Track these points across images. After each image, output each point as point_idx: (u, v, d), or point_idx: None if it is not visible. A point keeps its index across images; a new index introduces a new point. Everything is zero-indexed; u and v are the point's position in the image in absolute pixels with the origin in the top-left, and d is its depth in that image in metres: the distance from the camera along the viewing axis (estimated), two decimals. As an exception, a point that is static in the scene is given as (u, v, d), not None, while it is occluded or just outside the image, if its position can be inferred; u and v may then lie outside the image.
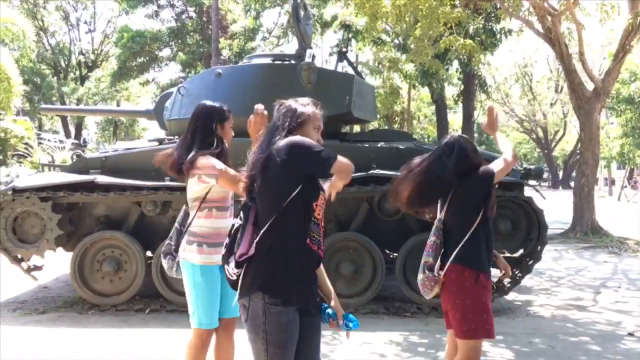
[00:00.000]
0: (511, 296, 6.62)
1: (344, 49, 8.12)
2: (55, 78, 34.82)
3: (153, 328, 5.34)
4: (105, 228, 6.16)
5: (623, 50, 11.85)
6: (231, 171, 3.16)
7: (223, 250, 2.56)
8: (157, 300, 6.02)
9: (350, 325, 2.57)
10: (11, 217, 5.91)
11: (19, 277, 6.83)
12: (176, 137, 6.67)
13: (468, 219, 3.10)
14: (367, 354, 4.68)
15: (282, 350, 2.41)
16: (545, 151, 45.17)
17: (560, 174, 48.33)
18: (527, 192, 6.37)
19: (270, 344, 2.40)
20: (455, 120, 37.46)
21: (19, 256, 6.03)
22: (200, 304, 3.23)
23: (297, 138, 2.47)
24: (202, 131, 3.33)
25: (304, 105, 2.65)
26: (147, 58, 26.35)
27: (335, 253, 6.03)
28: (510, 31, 19.36)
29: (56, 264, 7.23)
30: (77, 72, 37.39)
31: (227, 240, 2.55)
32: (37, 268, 6.27)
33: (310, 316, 2.50)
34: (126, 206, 6.21)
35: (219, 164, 3.20)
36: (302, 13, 6.85)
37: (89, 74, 37.29)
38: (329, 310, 2.58)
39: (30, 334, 5.09)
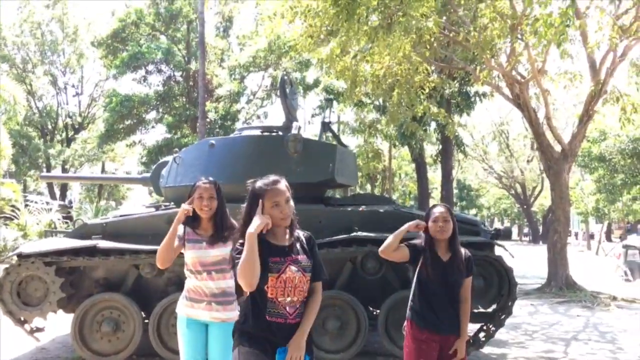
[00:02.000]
0: (487, 350, 7.03)
1: (327, 120, 8.73)
2: (42, 140, 35.27)
3: (150, 385, 5.65)
4: (104, 290, 6.51)
5: (587, 115, 12.68)
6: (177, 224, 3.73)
7: None
8: (154, 358, 6.33)
9: None
10: (16, 281, 6.25)
11: (18, 339, 7.11)
12: (171, 203, 7.13)
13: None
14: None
15: None
16: (524, 206, 46.04)
17: (540, 228, 49.11)
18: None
19: None
20: (435, 177, 38.30)
21: (23, 318, 6.34)
22: (184, 352, 3.72)
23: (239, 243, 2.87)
24: None
25: (261, 184, 2.92)
26: (135, 121, 26.98)
27: (322, 310, 6.36)
28: (484, 94, 20.43)
29: (52, 325, 7.51)
30: (64, 134, 37.89)
31: None
32: (39, 329, 6.58)
33: None
34: (124, 269, 6.59)
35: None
36: (288, 89, 7.48)
37: (76, 135, 37.79)
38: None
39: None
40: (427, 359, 3.59)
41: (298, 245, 2.97)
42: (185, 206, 3.72)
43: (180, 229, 3.79)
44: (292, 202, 2.94)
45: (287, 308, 2.85)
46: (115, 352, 6.30)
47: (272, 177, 2.95)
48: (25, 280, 6.31)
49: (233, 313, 3.77)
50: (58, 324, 7.60)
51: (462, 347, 3.71)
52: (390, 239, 3.65)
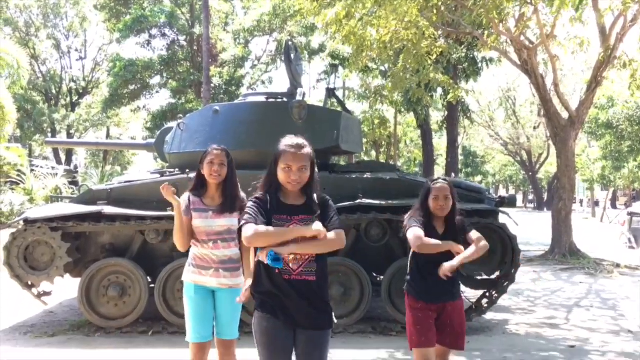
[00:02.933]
0: (489, 315, 7.09)
1: (332, 87, 8.65)
2: (46, 105, 35.21)
3: (156, 348, 5.73)
4: (110, 255, 6.58)
5: (595, 82, 12.52)
6: (178, 213, 3.70)
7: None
8: (160, 322, 6.42)
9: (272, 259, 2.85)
10: (23, 246, 6.32)
11: (25, 302, 7.22)
12: (176, 169, 7.13)
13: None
14: (356, 369, 5.12)
15: (266, 352, 2.91)
16: (530, 173, 45.97)
17: (545, 196, 49.12)
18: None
19: (258, 345, 2.95)
20: (440, 144, 38.20)
21: (30, 283, 6.43)
22: (190, 319, 3.73)
23: (253, 197, 2.95)
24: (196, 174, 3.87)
25: (283, 145, 2.97)
26: (139, 86, 26.85)
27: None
28: (491, 59, 20.18)
29: (59, 290, 7.62)
30: (68, 99, 37.81)
31: None
32: (47, 294, 6.67)
33: (310, 332, 2.92)
34: (130, 234, 6.65)
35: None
36: (292, 55, 7.40)
37: (80, 100, 37.72)
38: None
39: (43, 356, 5.47)
40: (424, 326, 3.63)
41: (311, 207, 2.98)
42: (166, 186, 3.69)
43: (186, 199, 3.78)
44: (309, 172, 2.96)
45: (291, 265, 2.88)
46: (122, 316, 6.39)
47: (297, 141, 2.98)
48: (32, 245, 6.37)
49: (240, 279, 3.79)
50: (65, 288, 7.70)
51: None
52: (431, 247, 3.59)
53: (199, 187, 3.81)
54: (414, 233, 3.59)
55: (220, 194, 3.79)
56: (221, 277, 3.71)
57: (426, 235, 3.60)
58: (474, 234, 3.71)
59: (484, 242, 3.68)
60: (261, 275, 2.93)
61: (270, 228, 2.84)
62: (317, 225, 2.86)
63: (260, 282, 2.94)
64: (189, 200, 3.76)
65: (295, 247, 2.85)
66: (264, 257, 2.83)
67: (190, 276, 3.77)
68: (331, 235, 2.90)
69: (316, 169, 3.05)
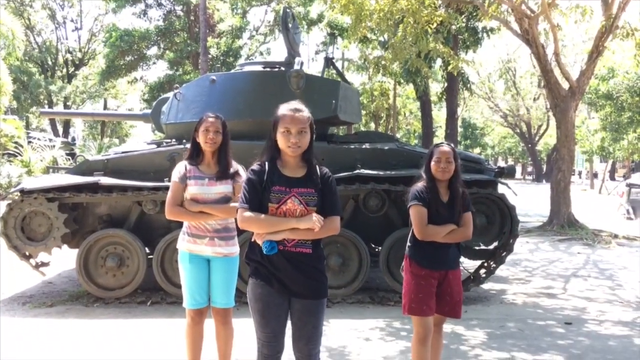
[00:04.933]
0: (487, 286, 7.12)
1: (330, 56, 8.53)
2: (43, 76, 34.90)
3: (155, 318, 5.75)
4: (108, 226, 6.55)
5: (597, 51, 12.39)
6: (173, 185, 3.70)
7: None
8: (158, 293, 6.43)
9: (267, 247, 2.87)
10: (20, 216, 6.29)
11: (23, 273, 7.22)
12: (173, 140, 7.07)
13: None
14: (354, 339, 5.14)
15: (260, 318, 2.91)
16: (529, 145, 45.89)
17: (544, 167, 49.12)
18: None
19: (252, 312, 2.95)
20: (439, 116, 38.06)
21: (28, 253, 6.42)
22: (186, 286, 3.73)
23: (250, 168, 2.93)
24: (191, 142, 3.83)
25: (282, 109, 2.92)
26: (135, 56, 26.59)
27: (324, 247, 6.46)
28: (492, 29, 19.94)
29: (58, 260, 7.62)
30: (64, 70, 37.47)
31: None
32: (45, 264, 6.66)
33: (305, 301, 2.91)
34: (127, 205, 6.61)
35: (173, 175, 3.74)
36: (290, 23, 7.27)
37: (76, 72, 37.39)
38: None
39: (42, 325, 5.48)
40: (426, 294, 3.61)
41: (311, 179, 2.93)
42: None
43: (182, 167, 3.74)
44: (308, 136, 2.91)
45: (285, 238, 2.86)
46: (120, 286, 6.40)
47: (295, 105, 2.93)
48: (28, 216, 6.34)
49: (235, 248, 3.78)
50: (64, 259, 7.70)
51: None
52: (434, 235, 3.58)
53: (195, 155, 3.78)
54: (417, 217, 3.59)
55: (215, 162, 3.75)
56: (216, 245, 3.69)
57: (430, 204, 3.59)
58: (466, 217, 3.69)
59: (467, 231, 3.68)
60: (255, 245, 2.92)
61: (263, 217, 2.82)
62: (310, 220, 2.80)
63: (254, 251, 2.92)
64: (185, 168, 3.73)
65: (289, 234, 2.83)
66: (260, 241, 2.85)
67: (185, 245, 3.75)
68: (326, 223, 2.89)
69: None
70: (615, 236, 11.94)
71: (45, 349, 4.77)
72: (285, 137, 2.87)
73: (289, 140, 2.86)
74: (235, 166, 3.80)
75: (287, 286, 2.88)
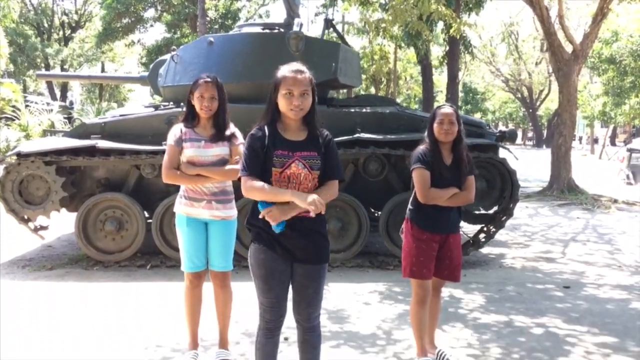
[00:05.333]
0: (486, 250, 7.12)
1: (330, 18, 8.36)
2: (39, 39, 34.45)
3: (154, 282, 5.76)
4: (106, 190, 6.52)
5: (601, 14, 12.19)
6: (169, 148, 3.64)
7: None
8: (158, 257, 6.44)
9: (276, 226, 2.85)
10: (17, 180, 6.25)
11: (23, 237, 7.22)
12: (170, 103, 6.98)
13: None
14: (353, 302, 5.15)
15: (263, 284, 2.88)
16: (530, 110, 45.63)
17: (544, 133, 48.95)
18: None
19: (254, 277, 2.92)
20: (440, 80, 37.70)
21: (26, 217, 6.40)
22: (184, 250, 3.70)
23: (250, 134, 2.85)
24: (186, 104, 3.74)
25: (283, 70, 2.83)
26: (132, 19, 26.22)
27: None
28: (495, -9, 19.58)
29: (57, 224, 7.62)
30: (61, 33, 36.97)
31: None
32: (43, 228, 6.65)
33: (307, 266, 2.88)
34: (125, 169, 6.56)
35: (168, 139, 3.67)
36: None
37: (73, 34, 36.90)
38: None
39: (41, 289, 5.50)
40: (427, 257, 3.60)
41: (313, 143, 2.87)
42: None
43: (178, 130, 3.68)
44: (310, 98, 2.82)
45: (290, 204, 2.80)
46: (120, 250, 6.41)
47: (297, 66, 2.85)
48: (26, 180, 6.31)
49: (233, 211, 3.74)
50: (63, 223, 7.69)
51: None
52: (437, 199, 3.54)
53: (190, 117, 3.70)
54: (420, 180, 3.54)
55: (212, 124, 3.68)
56: (213, 209, 3.65)
57: (433, 167, 3.54)
58: (469, 180, 3.64)
59: (469, 195, 3.64)
60: (257, 211, 2.87)
61: (266, 186, 2.76)
62: (312, 198, 2.71)
63: (256, 217, 2.88)
64: (181, 131, 3.66)
65: (295, 211, 2.77)
66: (274, 223, 2.80)
67: (182, 208, 3.71)
68: (326, 188, 2.86)
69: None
70: (615, 201, 11.93)
71: (45, 311, 4.78)
72: (287, 99, 2.78)
73: (291, 103, 2.78)
74: (232, 128, 3.73)
75: (290, 251, 2.85)
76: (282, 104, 2.80)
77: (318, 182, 2.86)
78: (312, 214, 2.74)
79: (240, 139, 3.65)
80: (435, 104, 26.82)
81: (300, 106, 2.78)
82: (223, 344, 3.83)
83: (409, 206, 3.73)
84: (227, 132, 3.67)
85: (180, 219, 3.72)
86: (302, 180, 2.80)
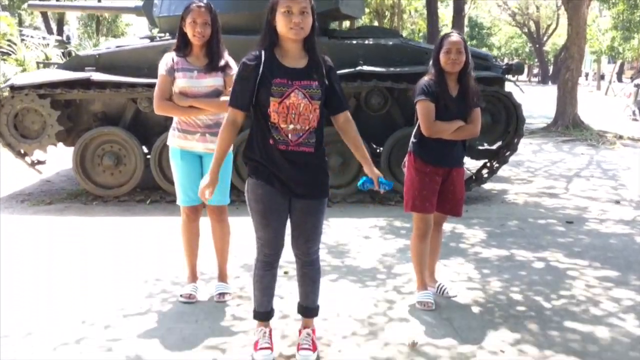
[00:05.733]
0: (488, 186, 7.05)
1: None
2: (32, -30, 33.37)
3: (154, 216, 5.74)
4: (103, 124, 6.40)
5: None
6: (160, 78, 3.48)
7: None
8: (157, 192, 6.39)
9: (385, 187, 2.85)
10: (12, 113, 6.13)
11: (22, 172, 7.17)
12: (166, 34, 6.76)
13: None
14: (354, 237, 5.13)
15: (261, 219, 2.80)
16: (537, 45, 44.71)
17: (551, 69, 48.16)
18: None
19: (252, 212, 2.84)
20: (445, 14, 36.72)
21: (22, 151, 6.32)
22: (179, 183, 3.63)
23: (243, 60, 2.71)
24: (178, 32, 3.56)
25: None
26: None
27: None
28: None
29: (56, 160, 7.55)
30: (55, -36, 35.78)
31: None
32: (41, 162, 6.59)
33: (304, 200, 2.80)
34: (122, 103, 6.42)
35: (159, 68, 3.51)
36: None
37: (67, -35, 35.70)
38: (365, 177, 2.90)
39: (40, 223, 5.47)
40: (430, 191, 3.52)
41: (314, 70, 2.72)
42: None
43: (169, 59, 3.52)
44: (310, 18, 2.64)
45: (290, 135, 2.69)
46: (119, 185, 6.35)
47: None
48: (20, 113, 6.19)
49: None
50: (61, 158, 7.61)
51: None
52: (441, 132, 3.41)
53: (182, 46, 3.53)
54: (424, 112, 3.41)
55: (205, 53, 3.51)
56: (208, 141, 3.53)
57: (438, 99, 3.40)
58: (475, 113, 3.51)
59: (475, 129, 3.51)
60: (253, 143, 2.77)
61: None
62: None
63: (253, 149, 2.77)
64: (172, 60, 3.50)
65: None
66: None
67: (175, 141, 3.60)
68: (350, 126, 2.86)
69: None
70: (620, 137, 11.80)
71: (44, 245, 4.76)
72: (286, 17, 2.59)
73: (290, 21, 2.59)
74: (227, 57, 3.57)
75: (288, 186, 2.76)
76: (281, 24, 2.61)
77: (320, 112, 2.74)
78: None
79: (235, 68, 3.49)
80: (440, 38, 26.18)
81: (301, 24, 2.59)
82: (222, 277, 3.81)
83: (412, 139, 3.62)
84: (221, 62, 3.51)
85: (174, 152, 3.62)
86: (301, 111, 2.67)
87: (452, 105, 3.44)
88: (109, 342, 3.09)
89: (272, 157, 2.71)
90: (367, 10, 25.12)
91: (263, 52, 2.68)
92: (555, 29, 42.68)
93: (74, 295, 3.73)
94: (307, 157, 2.74)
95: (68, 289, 3.84)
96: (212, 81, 3.49)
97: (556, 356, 2.97)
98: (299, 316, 3.08)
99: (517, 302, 3.67)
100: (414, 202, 3.53)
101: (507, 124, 6.46)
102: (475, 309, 3.57)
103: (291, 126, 2.68)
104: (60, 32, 33.29)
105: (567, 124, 12.48)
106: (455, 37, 3.42)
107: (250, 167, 2.81)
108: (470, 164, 6.92)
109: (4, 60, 18.15)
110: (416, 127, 3.57)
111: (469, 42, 3.77)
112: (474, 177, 6.59)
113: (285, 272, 4.05)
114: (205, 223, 3.77)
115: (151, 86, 5.92)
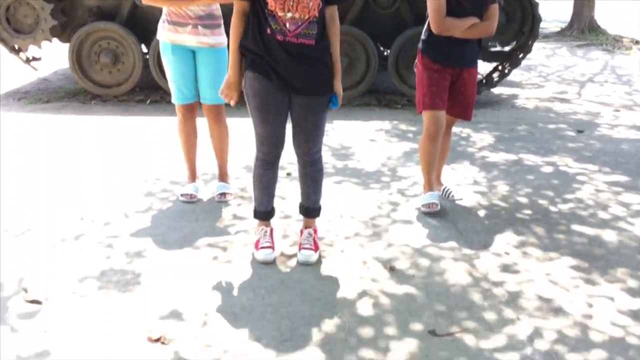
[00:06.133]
0: (498, 90, 6.85)
1: None
2: None
3: (154, 116, 5.60)
4: (98, 19, 6.12)
5: None
6: None
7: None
8: (157, 92, 6.22)
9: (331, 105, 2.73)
10: (3, 6, 5.87)
11: (19, 70, 6.96)
12: None
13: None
14: (359, 139, 5.00)
15: (259, 114, 2.69)
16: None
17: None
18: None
19: (250, 107, 2.72)
20: None
21: (17, 47, 6.10)
22: (172, 80, 3.46)
23: None
24: None
25: None
26: None
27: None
28: None
29: (53, 58, 7.32)
30: None
31: None
32: (36, 59, 6.38)
33: (304, 97, 2.66)
34: (117, -4, 6.11)
35: None
36: None
37: None
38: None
39: (37, 121, 5.35)
40: (440, 87, 3.35)
41: None
42: None
43: None
44: None
45: (287, 24, 2.51)
46: (117, 84, 6.18)
47: None
48: (12, 6, 5.93)
49: (222, 37, 3.40)
50: (59, 57, 7.38)
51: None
52: (454, 28, 3.19)
53: None
54: (434, 7, 3.17)
55: None
56: (200, 34, 3.31)
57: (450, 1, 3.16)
58: (491, 9, 3.25)
59: (491, 26, 3.27)
60: (249, 32, 2.59)
61: None
62: None
63: (249, 40, 2.59)
64: None
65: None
66: None
67: (165, 34, 3.36)
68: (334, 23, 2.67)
69: None
70: (637, 42, 11.35)
71: (42, 143, 4.67)
72: None
73: None
74: None
75: (287, 81, 2.60)
76: None
77: (321, 0, 2.54)
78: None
79: None
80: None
81: None
82: (223, 177, 3.73)
83: (422, 37, 3.41)
84: None
85: (164, 47, 3.40)
86: None
87: (465, 0, 3.20)
88: (109, 238, 3.06)
89: (269, 48, 2.56)
90: None
91: None
92: None
93: (73, 193, 3.66)
94: (306, 50, 2.58)
95: (66, 187, 3.78)
96: None
97: (561, 258, 2.92)
98: (301, 217, 3.03)
99: (523, 206, 3.60)
100: (424, 99, 3.38)
101: (522, 23, 6.15)
102: (481, 212, 3.51)
103: (289, 14, 2.50)
104: None
105: (582, 28, 12.00)
106: None
107: (247, 59, 2.65)
108: (480, 67, 6.65)
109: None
110: (426, 24, 3.35)
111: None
112: (484, 81, 6.36)
113: (288, 174, 3.97)
114: (203, 123, 3.64)
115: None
